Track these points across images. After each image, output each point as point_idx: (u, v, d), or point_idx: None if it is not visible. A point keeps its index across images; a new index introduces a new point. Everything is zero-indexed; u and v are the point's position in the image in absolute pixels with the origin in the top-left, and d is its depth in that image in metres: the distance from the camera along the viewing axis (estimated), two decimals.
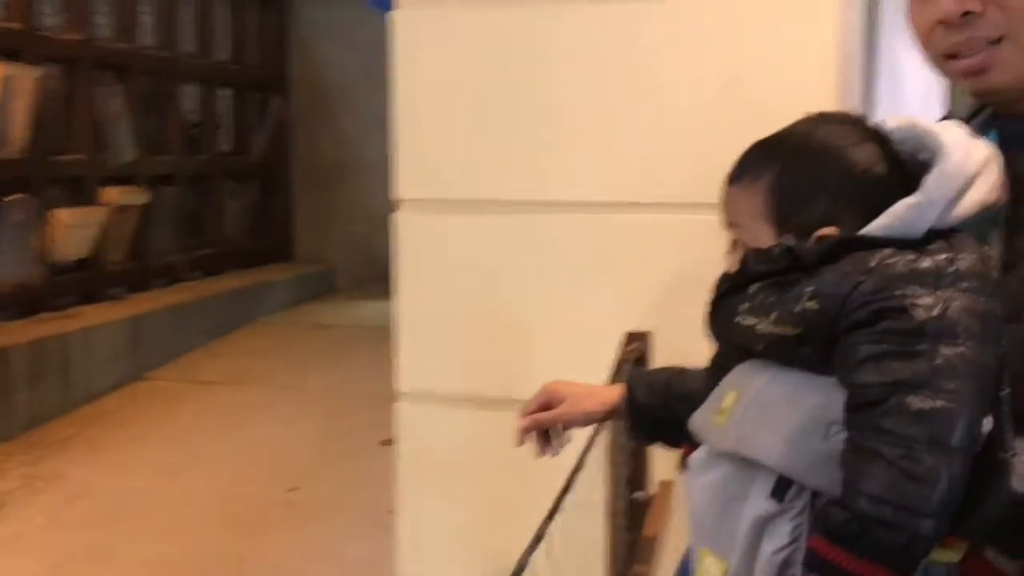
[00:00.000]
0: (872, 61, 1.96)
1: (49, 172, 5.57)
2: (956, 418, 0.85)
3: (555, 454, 1.43)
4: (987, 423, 0.88)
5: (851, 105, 1.89)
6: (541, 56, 1.94)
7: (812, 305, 0.92)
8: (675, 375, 1.39)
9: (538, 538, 1.01)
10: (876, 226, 0.94)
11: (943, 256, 0.91)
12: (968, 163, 0.95)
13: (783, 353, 0.96)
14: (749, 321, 0.97)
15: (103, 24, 6.12)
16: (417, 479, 2.11)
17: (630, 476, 1.72)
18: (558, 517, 1.11)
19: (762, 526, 0.96)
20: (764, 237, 1.00)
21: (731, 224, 1.05)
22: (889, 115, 1.02)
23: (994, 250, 0.98)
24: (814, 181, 0.99)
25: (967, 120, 1.10)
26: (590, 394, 1.41)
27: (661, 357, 1.76)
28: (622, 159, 1.91)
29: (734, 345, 1.03)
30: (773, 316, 0.95)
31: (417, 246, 2.09)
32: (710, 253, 1.88)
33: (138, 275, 6.35)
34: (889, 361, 0.87)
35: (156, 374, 5.68)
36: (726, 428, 1.01)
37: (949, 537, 0.89)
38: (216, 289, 6.74)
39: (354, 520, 3.77)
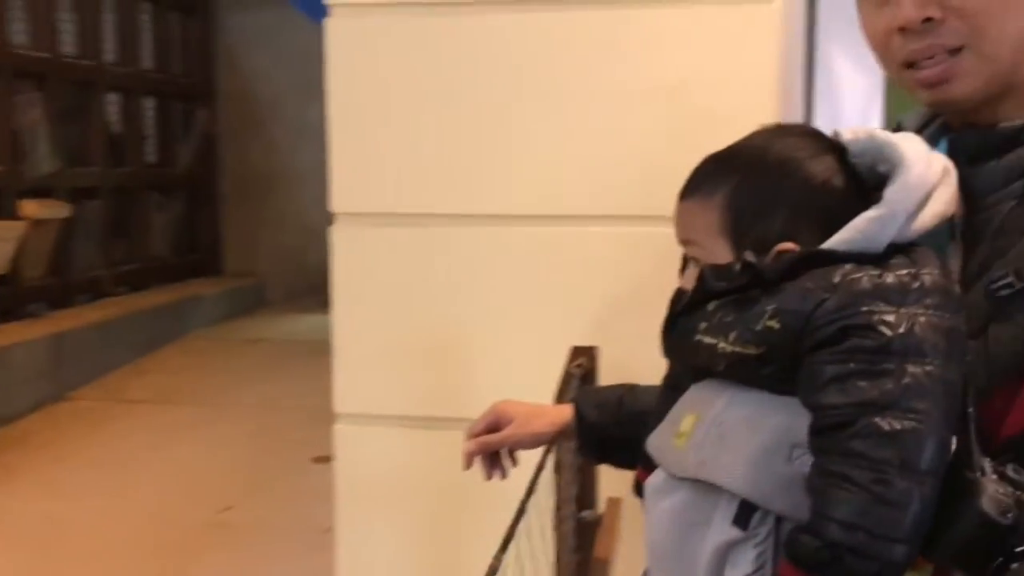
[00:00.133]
0: (811, 71, 1.96)
1: None
2: (925, 439, 0.82)
3: (503, 477, 1.39)
4: (952, 442, 0.86)
5: (793, 115, 1.89)
6: (481, 65, 1.89)
7: (774, 324, 0.89)
8: (626, 392, 1.35)
9: (493, 571, 0.96)
10: (837, 240, 0.92)
11: (906, 271, 0.88)
12: (929, 174, 0.93)
13: (744, 373, 0.93)
14: (708, 340, 0.93)
15: (20, 31, 5.93)
16: (357, 501, 2.04)
17: (577, 495, 1.68)
18: (511, 545, 1.06)
19: (725, 554, 0.93)
20: (720, 253, 0.97)
21: (685, 240, 1.02)
22: (846, 127, 1.00)
23: (953, 264, 0.96)
24: (772, 195, 0.96)
25: (918, 131, 1.08)
26: (539, 414, 1.37)
27: (608, 372, 1.72)
28: (565, 171, 1.87)
29: (692, 364, 0.99)
30: (733, 335, 0.92)
31: (354, 261, 2.03)
32: (655, 266, 1.86)
33: (59, 291, 6.16)
34: (855, 381, 0.84)
35: (79, 393, 5.50)
36: (685, 452, 0.97)
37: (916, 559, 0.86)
38: (142, 304, 6.59)
39: (289, 540, 3.68)
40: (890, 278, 0.87)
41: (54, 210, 6.00)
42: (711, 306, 0.95)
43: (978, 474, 0.85)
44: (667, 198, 1.83)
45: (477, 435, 1.38)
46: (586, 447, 1.38)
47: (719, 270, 0.94)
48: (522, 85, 1.88)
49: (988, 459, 0.87)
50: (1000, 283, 0.92)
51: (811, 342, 0.87)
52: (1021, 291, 0.91)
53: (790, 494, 0.89)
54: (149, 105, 7.41)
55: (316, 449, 4.30)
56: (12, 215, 5.67)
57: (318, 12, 2.10)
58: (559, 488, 1.55)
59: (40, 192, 5.97)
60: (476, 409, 1.44)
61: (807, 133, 1.00)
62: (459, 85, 1.91)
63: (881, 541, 0.81)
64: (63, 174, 6.18)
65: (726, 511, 0.93)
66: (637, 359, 1.70)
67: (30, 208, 5.78)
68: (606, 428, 1.34)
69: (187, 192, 7.86)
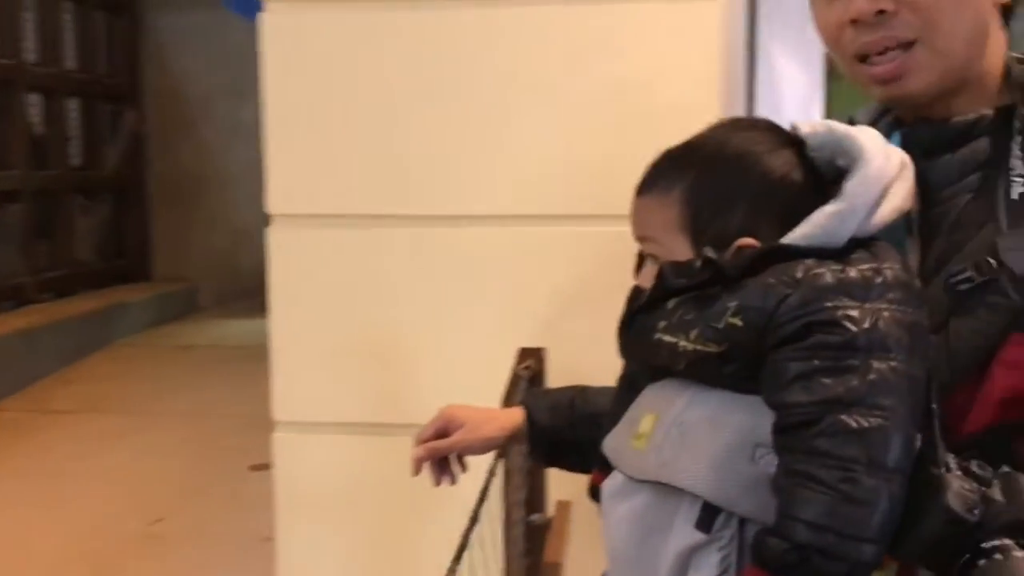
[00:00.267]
0: (753, 67, 1.96)
1: None
2: (892, 436, 0.81)
3: (453, 482, 1.35)
4: (917, 439, 0.85)
5: (736, 111, 1.88)
6: (422, 63, 1.85)
7: (736, 321, 0.87)
8: (578, 395, 1.33)
9: None
10: (797, 235, 0.90)
11: (868, 266, 0.87)
12: (887, 168, 0.92)
13: (705, 372, 0.91)
14: (668, 339, 0.91)
15: None
16: (298, 511, 1.98)
17: (526, 499, 1.65)
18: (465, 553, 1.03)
19: (688, 558, 0.90)
20: (679, 250, 0.95)
21: (642, 237, 0.99)
22: (803, 120, 0.98)
23: (911, 259, 0.96)
24: (731, 190, 0.94)
25: (870, 125, 1.07)
26: (489, 419, 1.34)
27: (556, 373, 1.70)
28: (509, 170, 1.84)
29: (651, 364, 0.96)
30: (694, 333, 0.89)
31: (292, 264, 1.97)
32: (602, 265, 1.84)
33: None
34: (820, 378, 0.83)
35: (3, 404, 5.32)
36: (645, 453, 0.95)
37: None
38: (68, 312, 6.39)
39: (225, 550, 3.59)
40: (853, 273, 0.86)
41: None
42: (670, 304, 0.92)
43: (943, 471, 0.84)
44: (613, 197, 1.81)
45: (425, 441, 1.34)
46: (537, 451, 1.35)
47: (679, 267, 0.92)
48: (464, 83, 1.85)
49: (952, 455, 0.86)
50: (960, 277, 0.92)
51: (774, 339, 0.86)
52: (981, 285, 0.91)
53: (754, 495, 0.87)
54: (73, 106, 7.20)
55: (253, 457, 4.21)
56: None
57: (251, 9, 2.04)
58: (508, 492, 1.52)
59: None
60: (421, 414, 1.40)
61: (765, 127, 0.99)
62: (399, 83, 1.87)
63: (850, 541, 0.79)
64: None
65: (688, 514, 0.90)
66: (586, 360, 1.68)
67: None
68: (558, 431, 1.31)
69: (114, 195, 7.66)
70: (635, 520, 0.95)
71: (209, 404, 5.27)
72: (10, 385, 5.45)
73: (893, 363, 0.82)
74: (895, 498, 0.80)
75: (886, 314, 0.84)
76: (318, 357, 1.96)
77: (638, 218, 1.00)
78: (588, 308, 1.78)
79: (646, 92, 1.81)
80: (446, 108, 1.86)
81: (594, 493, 1.12)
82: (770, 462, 0.87)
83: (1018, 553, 0.80)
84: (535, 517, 1.70)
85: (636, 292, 0.99)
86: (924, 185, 0.98)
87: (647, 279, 0.97)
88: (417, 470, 1.35)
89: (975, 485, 0.84)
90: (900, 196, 0.93)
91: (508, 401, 1.55)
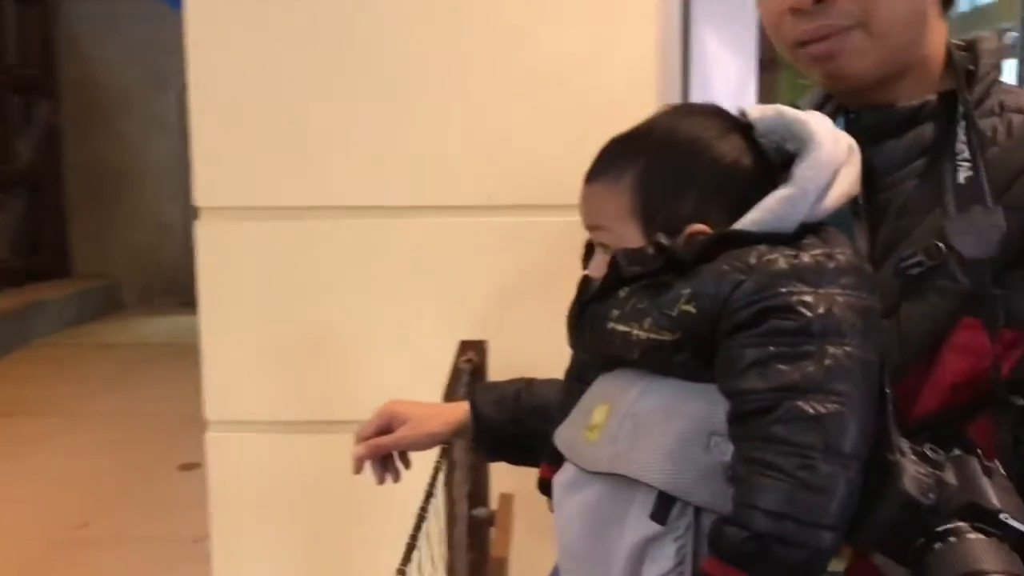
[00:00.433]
0: (687, 53, 1.96)
1: None
2: (849, 422, 0.80)
3: (396, 480, 1.32)
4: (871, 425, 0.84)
5: (671, 98, 1.88)
6: (352, 53, 1.81)
7: (690, 308, 0.86)
8: (523, 387, 1.31)
9: None
10: (748, 221, 0.89)
11: (820, 251, 0.86)
12: (837, 152, 0.91)
13: (657, 360, 0.89)
14: (622, 328, 0.89)
15: None
16: (234, 512, 1.93)
17: (469, 493, 1.63)
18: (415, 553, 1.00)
19: (643, 549, 0.89)
20: (630, 237, 0.93)
21: (593, 226, 0.98)
22: (751, 105, 0.97)
23: (860, 244, 0.95)
24: (682, 175, 0.92)
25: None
26: (433, 414, 1.31)
27: (498, 366, 1.67)
28: (443, 160, 1.81)
29: (604, 354, 0.95)
30: (648, 321, 0.88)
31: (221, 258, 1.91)
32: (542, 256, 1.82)
33: None
34: (776, 364, 0.81)
35: None
36: (599, 445, 0.93)
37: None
38: None
39: (155, 553, 3.50)
40: (806, 258, 0.85)
41: None
42: (623, 292, 0.91)
43: (898, 455, 0.84)
44: (552, 186, 1.80)
45: (367, 438, 1.30)
46: (483, 445, 1.33)
47: (632, 254, 0.90)
48: (398, 72, 1.81)
49: (905, 440, 0.86)
50: (910, 262, 0.92)
51: (728, 325, 0.84)
52: (931, 269, 0.91)
53: (710, 485, 0.85)
54: None
55: (182, 456, 4.11)
56: None
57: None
58: (451, 487, 1.50)
59: None
60: (359, 411, 1.37)
61: (713, 112, 0.98)
62: (329, 73, 1.83)
63: (809, 528, 0.78)
64: None
65: (643, 505, 0.89)
66: (528, 351, 1.66)
67: None
68: (504, 425, 1.29)
69: (28, 190, 7.41)
70: (588, 513, 0.94)
71: (135, 403, 5.14)
72: None
73: (848, 348, 0.82)
74: (852, 484, 0.80)
75: (840, 299, 0.83)
76: (251, 354, 1.91)
77: (587, 206, 0.98)
78: (529, 299, 1.77)
79: (582, 80, 1.79)
80: (380, 98, 1.82)
81: (543, 486, 1.10)
82: (725, 451, 0.85)
83: (972, 535, 0.81)
84: (479, 511, 1.68)
85: (586, 282, 0.98)
86: (869, 171, 0.98)
87: (597, 268, 0.96)
88: (359, 468, 1.31)
89: (929, 469, 0.84)
90: (848, 181, 0.92)
91: (449, 395, 1.52)
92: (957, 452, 0.86)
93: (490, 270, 1.81)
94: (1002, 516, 0.81)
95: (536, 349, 1.56)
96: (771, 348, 0.82)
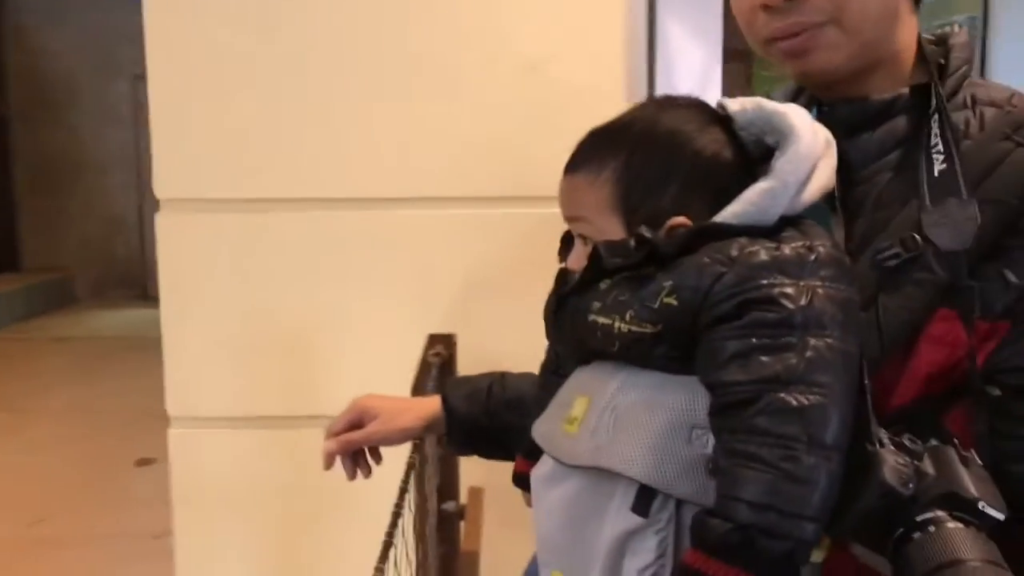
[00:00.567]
0: (652, 45, 1.96)
1: None
2: (830, 413, 0.81)
3: (367, 475, 1.31)
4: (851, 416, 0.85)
5: (639, 90, 1.88)
6: (322, 42, 1.79)
7: (671, 300, 0.86)
8: (496, 381, 1.30)
9: None
10: (729, 213, 0.89)
11: (800, 244, 0.86)
12: (816, 145, 0.91)
13: (638, 353, 0.89)
14: (604, 320, 0.89)
15: None
16: (198, 510, 1.90)
17: (439, 486, 1.62)
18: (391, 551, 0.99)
19: (624, 542, 0.88)
20: (610, 229, 0.93)
21: (572, 218, 0.97)
22: (731, 98, 0.97)
23: (837, 237, 0.96)
24: (664, 168, 0.92)
25: None
26: (405, 408, 1.30)
27: (467, 360, 1.66)
28: (413, 152, 1.79)
29: (584, 347, 0.94)
30: (630, 314, 0.87)
31: (183, 251, 1.88)
32: (511, 248, 1.82)
33: None
34: (758, 356, 0.82)
35: None
36: (578, 438, 0.92)
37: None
38: None
39: (112, 550, 3.46)
40: (787, 250, 0.85)
41: None
42: (603, 285, 0.90)
43: (877, 446, 0.84)
44: (518, 178, 1.79)
45: (338, 433, 1.29)
46: (455, 439, 1.32)
47: (614, 246, 0.90)
48: (365, 63, 1.79)
49: (883, 430, 0.87)
50: (887, 253, 0.92)
51: (709, 318, 0.84)
52: (908, 261, 0.92)
53: (692, 477, 0.85)
54: None
55: (138, 451, 4.05)
56: None
57: None
58: (421, 482, 1.49)
59: None
60: (325, 406, 1.36)
61: (694, 105, 0.98)
62: (295, 63, 1.80)
63: (792, 519, 0.79)
64: None
65: (624, 498, 0.88)
66: (497, 344, 1.66)
67: None
68: (477, 419, 1.28)
69: None
70: (568, 506, 0.93)
71: (89, 399, 5.06)
72: None
73: (829, 340, 0.82)
74: (834, 475, 0.80)
75: (820, 291, 0.83)
76: (214, 349, 1.88)
77: (567, 198, 0.97)
78: (498, 292, 1.76)
79: (551, 71, 1.79)
80: (350, 89, 1.80)
81: (519, 480, 1.10)
82: (707, 443, 0.85)
83: (950, 524, 0.81)
84: (448, 505, 1.67)
85: (563, 274, 0.97)
86: (843, 164, 0.98)
87: (577, 260, 0.95)
88: (329, 464, 1.30)
89: (908, 459, 0.84)
90: (826, 175, 0.93)
91: (418, 389, 1.51)
92: (934, 442, 0.87)
93: (459, 263, 1.80)
94: (980, 505, 0.82)
95: (505, 342, 1.56)
96: (753, 340, 0.82)
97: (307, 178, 1.82)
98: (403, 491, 1.10)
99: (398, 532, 1.02)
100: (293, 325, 1.85)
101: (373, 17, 1.79)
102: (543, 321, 1.01)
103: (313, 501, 1.85)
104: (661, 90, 2.21)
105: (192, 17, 1.82)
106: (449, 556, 1.62)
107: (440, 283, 1.80)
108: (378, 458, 1.33)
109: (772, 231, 0.89)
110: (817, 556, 0.89)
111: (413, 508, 1.49)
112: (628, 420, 0.89)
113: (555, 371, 1.05)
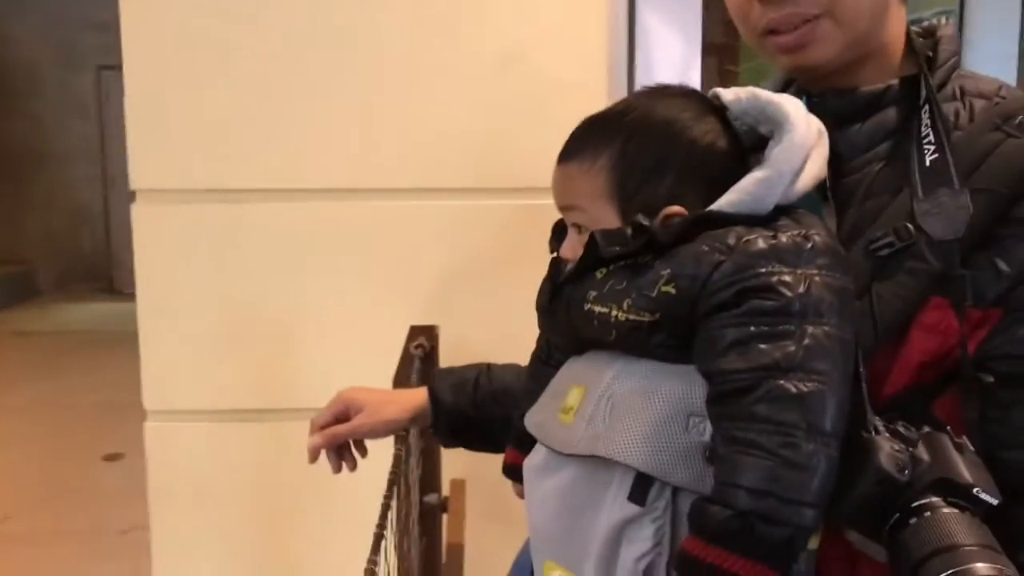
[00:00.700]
0: (632, 36, 1.96)
1: None
2: (828, 400, 0.81)
3: (352, 469, 1.30)
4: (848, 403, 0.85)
5: (620, 82, 1.88)
6: (300, 32, 1.77)
7: (669, 289, 0.86)
8: (482, 372, 1.30)
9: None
10: (725, 202, 0.90)
11: (796, 232, 0.87)
12: (809, 135, 0.92)
13: (635, 342, 0.89)
14: (601, 309, 0.89)
15: None
16: (175, 506, 1.88)
17: (421, 478, 1.62)
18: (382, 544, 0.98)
19: (621, 531, 0.89)
20: (605, 218, 0.93)
21: (566, 206, 0.97)
22: (725, 88, 0.97)
23: (830, 226, 0.96)
24: (660, 157, 0.92)
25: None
26: (390, 401, 1.29)
27: (449, 351, 1.66)
28: (394, 144, 1.78)
29: (579, 336, 0.94)
30: (627, 302, 0.88)
31: (159, 243, 1.86)
32: (492, 240, 1.81)
33: None
34: (756, 344, 0.82)
35: None
36: (574, 427, 0.92)
37: None
38: None
39: (80, 547, 3.41)
40: (784, 239, 0.86)
41: None
42: (599, 273, 0.90)
43: (872, 433, 0.85)
44: (500, 169, 1.79)
45: (323, 426, 1.28)
46: (441, 431, 1.31)
47: (611, 235, 0.89)
48: (343, 53, 1.78)
49: (878, 417, 0.87)
50: (881, 243, 0.93)
51: (707, 306, 0.85)
52: (901, 250, 0.92)
53: (689, 465, 0.86)
54: None
55: (106, 447, 4.01)
56: None
57: None
58: (405, 474, 1.48)
59: None
60: (305, 399, 1.36)
61: (689, 94, 0.98)
62: (272, 53, 1.78)
63: (791, 506, 0.79)
64: None
65: (620, 487, 0.88)
66: (479, 336, 1.65)
67: None
68: (463, 410, 1.28)
69: None
70: (563, 495, 0.93)
71: (54, 394, 4.99)
72: None
73: (826, 327, 0.82)
74: (832, 461, 0.81)
75: (818, 279, 0.84)
76: (191, 341, 1.86)
77: (562, 186, 0.97)
78: (480, 283, 1.76)
79: (532, 63, 1.78)
80: (330, 80, 1.79)
81: (510, 471, 1.09)
82: (704, 431, 0.86)
83: (945, 509, 0.82)
84: (430, 497, 1.66)
85: (557, 263, 0.97)
86: (833, 154, 0.99)
87: (571, 249, 0.95)
88: (314, 457, 1.29)
89: (903, 446, 0.85)
90: (818, 164, 0.94)
91: (399, 380, 1.51)
92: (927, 429, 0.88)
93: (440, 254, 1.79)
94: (975, 490, 0.82)
95: (487, 333, 1.55)
96: (751, 328, 0.82)
97: (286, 169, 1.80)
98: (392, 483, 1.10)
99: (389, 524, 1.01)
100: (272, 317, 1.83)
101: (353, 8, 1.78)
102: (535, 311, 1.01)
103: (292, 494, 1.84)
104: (641, 83, 2.21)
105: (168, 5, 1.80)
106: (431, 548, 1.62)
107: (422, 274, 1.79)
108: (363, 451, 1.32)
109: (767, 220, 0.89)
110: (813, 543, 0.90)
111: (396, 501, 1.49)
112: (625, 408, 0.89)
113: (546, 361, 1.05)
